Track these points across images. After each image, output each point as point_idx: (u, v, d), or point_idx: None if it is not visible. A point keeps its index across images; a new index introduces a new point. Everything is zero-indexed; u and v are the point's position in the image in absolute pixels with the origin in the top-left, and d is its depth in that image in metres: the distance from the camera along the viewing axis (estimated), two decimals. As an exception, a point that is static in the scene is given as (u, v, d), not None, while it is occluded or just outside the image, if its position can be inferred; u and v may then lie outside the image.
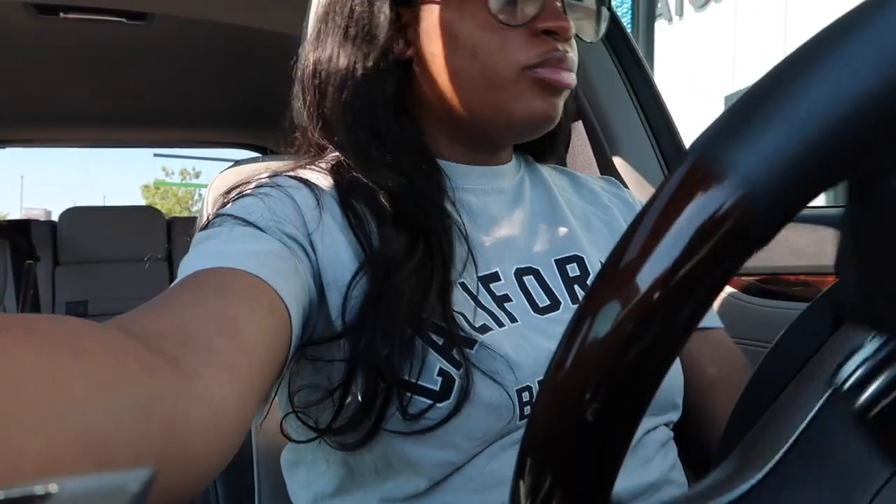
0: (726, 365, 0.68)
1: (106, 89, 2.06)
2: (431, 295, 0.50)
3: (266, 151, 2.66)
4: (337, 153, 0.61)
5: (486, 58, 0.56)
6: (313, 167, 0.59)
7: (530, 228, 0.62)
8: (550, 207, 0.65)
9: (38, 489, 0.12)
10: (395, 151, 0.57)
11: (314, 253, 0.51)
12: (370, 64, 0.57)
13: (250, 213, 0.50)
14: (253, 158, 0.92)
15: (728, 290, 1.04)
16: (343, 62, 0.57)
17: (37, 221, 2.52)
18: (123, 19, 1.50)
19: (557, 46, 0.57)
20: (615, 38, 1.14)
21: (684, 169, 0.20)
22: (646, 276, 0.20)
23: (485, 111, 0.58)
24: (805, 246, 0.94)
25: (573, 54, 0.58)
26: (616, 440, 0.21)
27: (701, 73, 8.37)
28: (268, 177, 0.56)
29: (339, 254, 0.52)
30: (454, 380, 0.48)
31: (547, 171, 0.71)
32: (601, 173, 1.16)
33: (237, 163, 0.89)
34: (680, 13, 9.73)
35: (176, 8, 1.43)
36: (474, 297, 0.54)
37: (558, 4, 0.58)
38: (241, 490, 0.81)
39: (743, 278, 1.02)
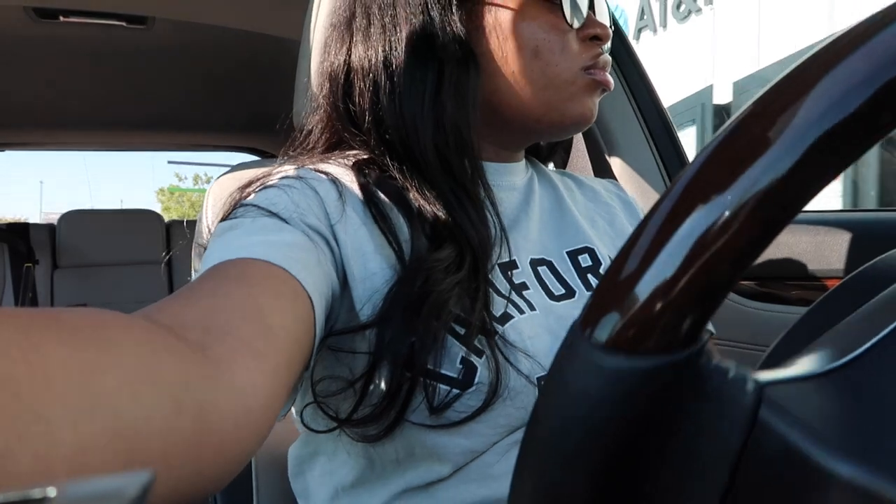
0: None
1: (106, 93, 2.06)
2: (477, 303, 0.51)
3: (266, 155, 2.67)
4: (356, 151, 0.61)
5: (548, 58, 0.58)
6: (333, 162, 0.59)
7: (542, 223, 0.64)
8: (558, 204, 0.67)
9: (36, 493, 0.12)
10: (449, 147, 0.57)
11: (337, 245, 0.52)
12: (429, 61, 0.57)
13: (273, 204, 0.50)
14: (253, 162, 0.92)
15: (738, 298, 1.04)
16: (397, 59, 0.57)
17: (36, 224, 2.51)
18: (123, 23, 1.51)
19: (603, 51, 0.61)
20: (613, 41, 1.15)
21: (686, 179, 0.20)
22: (646, 286, 0.20)
23: (538, 109, 0.60)
24: (805, 250, 0.94)
25: None
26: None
27: (682, 78, 8.84)
28: (293, 168, 0.56)
29: (361, 245, 0.52)
30: (476, 368, 0.50)
31: (551, 172, 0.73)
32: (597, 175, 1.16)
33: (235, 167, 0.89)
34: (664, 24, 10.36)
35: (176, 12, 1.43)
36: (496, 289, 0.55)
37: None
38: (240, 490, 0.81)
39: (741, 282, 1.02)
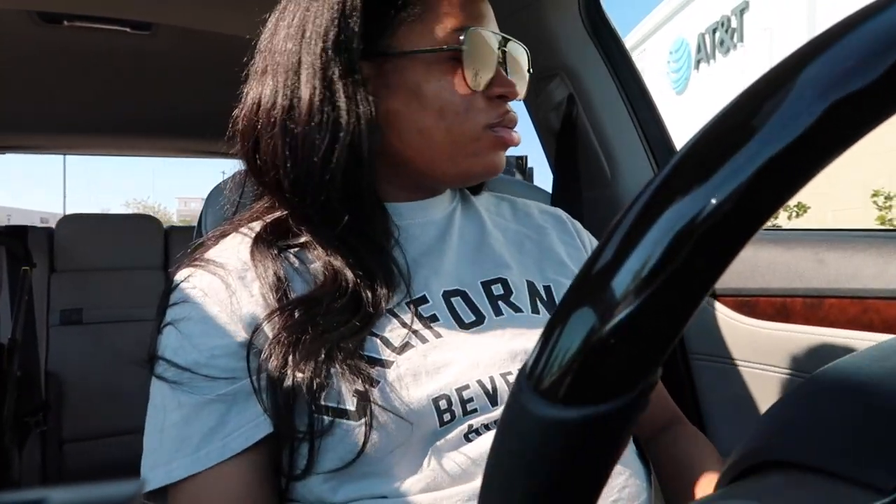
0: None
1: (110, 98, 2.06)
2: (352, 332, 0.56)
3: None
4: (267, 205, 0.66)
5: (452, 118, 0.62)
6: (241, 231, 0.65)
7: (459, 255, 0.68)
8: (480, 235, 0.71)
9: (32, 496, 0.12)
10: (344, 198, 0.60)
11: (249, 344, 0.57)
12: (326, 119, 0.59)
13: (188, 364, 0.56)
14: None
15: (726, 311, 1.04)
16: (296, 113, 0.60)
17: (34, 228, 2.50)
18: (128, 29, 1.51)
19: (509, 109, 0.66)
20: (614, 54, 1.15)
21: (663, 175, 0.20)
22: (621, 282, 0.19)
23: (444, 165, 0.65)
24: (808, 267, 0.94)
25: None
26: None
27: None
28: (189, 287, 0.60)
29: (257, 321, 0.57)
30: (368, 399, 0.54)
31: (485, 200, 0.77)
32: (597, 189, 1.16)
33: (236, 174, 0.89)
34: (714, 57, 14.10)
35: (181, 19, 1.44)
36: (402, 322, 0.59)
37: (502, 71, 0.65)
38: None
39: (742, 299, 1.02)
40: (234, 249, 0.62)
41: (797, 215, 8.64)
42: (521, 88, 0.69)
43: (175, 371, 0.56)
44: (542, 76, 1.18)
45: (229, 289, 0.59)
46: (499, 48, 0.65)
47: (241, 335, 0.57)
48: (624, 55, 1.16)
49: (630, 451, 0.64)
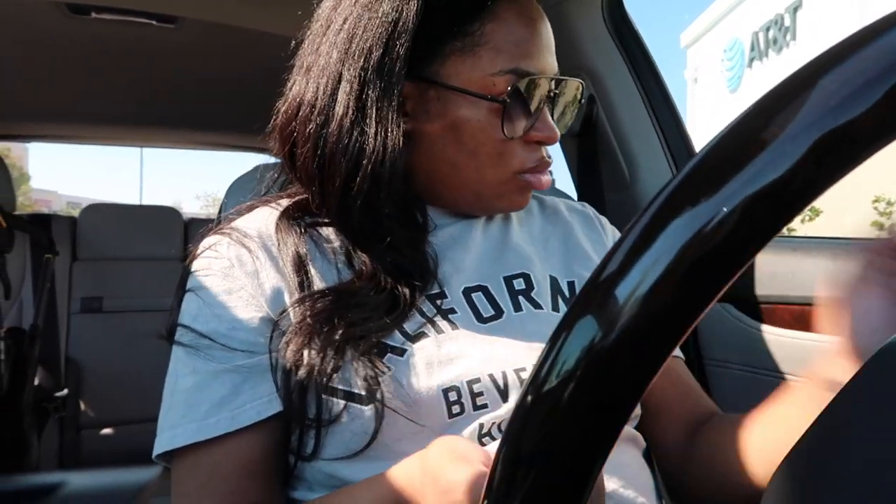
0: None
1: (134, 90, 2.09)
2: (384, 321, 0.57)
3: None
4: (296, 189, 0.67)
5: (484, 160, 0.62)
6: (270, 205, 0.65)
7: (483, 252, 0.68)
8: (504, 234, 0.70)
9: (51, 479, 0.12)
10: (390, 203, 0.60)
11: (273, 324, 0.57)
12: (359, 132, 0.59)
13: (210, 332, 0.57)
14: (275, 164, 0.93)
15: (743, 318, 1.03)
16: (333, 119, 0.59)
17: (58, 216, 2.54)
18: (154, 21, 1.53)
19: (544, 154, 0.64)
20: (636, 56, 1.15)
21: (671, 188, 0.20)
22: (624, 290, 0.19)
23: (469, 197, 0.65)
24: (825, 274, 0.93)
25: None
26: (594, 455, 0.21)
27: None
28: (214, 258, 0.61)
29: (281, 298, 0.58)
30: (379, 385, 0.54)
31: None
32: (616, 192, 1.16)
33: (256, 168, 0.90)
34: (766, 55, 14.65)
35: (206, 13, 1.45)
36: (420, 311, 0.59)
37: (547, 113, 0.63)
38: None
39: (760, 306, 1.01)
40: (262, 221, 0.63)
41: (810, 219, 8.58)
42: (568, 120, 0.68)
43: (192, 336, 0.57)
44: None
45: (257, 262, 0.59)
46: (549, 91, 0.62)
47: (265, 310, 0.58)
48: (646, 57, 1.15)
49: (636, 466, 0.63)
